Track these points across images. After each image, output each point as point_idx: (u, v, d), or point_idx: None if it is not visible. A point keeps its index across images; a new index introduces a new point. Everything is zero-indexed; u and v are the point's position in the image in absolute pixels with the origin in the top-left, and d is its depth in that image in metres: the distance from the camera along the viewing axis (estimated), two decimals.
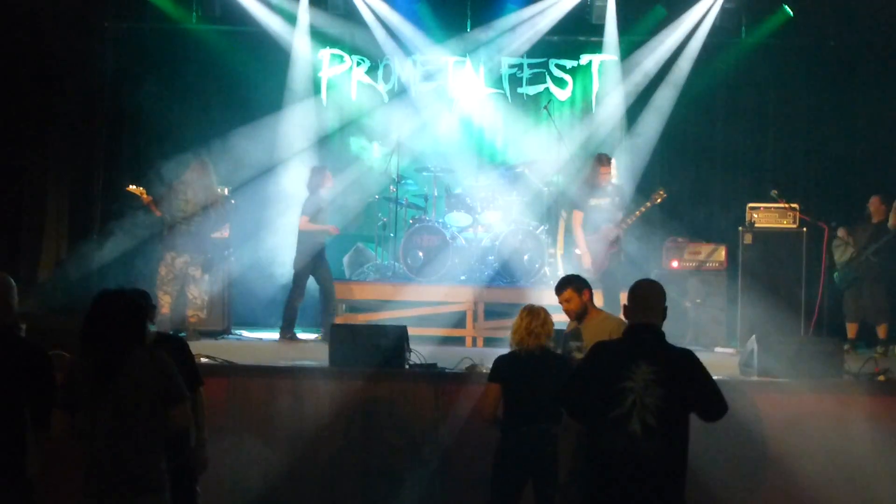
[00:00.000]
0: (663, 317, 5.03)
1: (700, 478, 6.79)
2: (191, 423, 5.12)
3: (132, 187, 10.49)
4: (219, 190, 10.86)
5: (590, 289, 6.97)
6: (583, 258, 9.50)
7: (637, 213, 9.84)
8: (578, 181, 10.02)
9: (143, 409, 4.83)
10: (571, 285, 6.89)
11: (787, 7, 12.73)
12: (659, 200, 9.81)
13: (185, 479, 5.70)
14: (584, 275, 8.11)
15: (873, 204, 11.06)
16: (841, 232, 11.00)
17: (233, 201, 11.70)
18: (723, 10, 12.92)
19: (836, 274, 10.77)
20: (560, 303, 7.01)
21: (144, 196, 10.40)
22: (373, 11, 13.17)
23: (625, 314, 5.21)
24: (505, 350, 6.57)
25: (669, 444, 4.66)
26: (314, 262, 10.72)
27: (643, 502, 4.66)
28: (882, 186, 11.35)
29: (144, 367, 4.86)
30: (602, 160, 9.85)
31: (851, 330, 11.03)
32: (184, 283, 10.36)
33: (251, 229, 12.14)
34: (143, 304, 5.13)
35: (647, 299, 5.01)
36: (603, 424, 4.71)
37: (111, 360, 4.82)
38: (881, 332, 10.86)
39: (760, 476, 7.78)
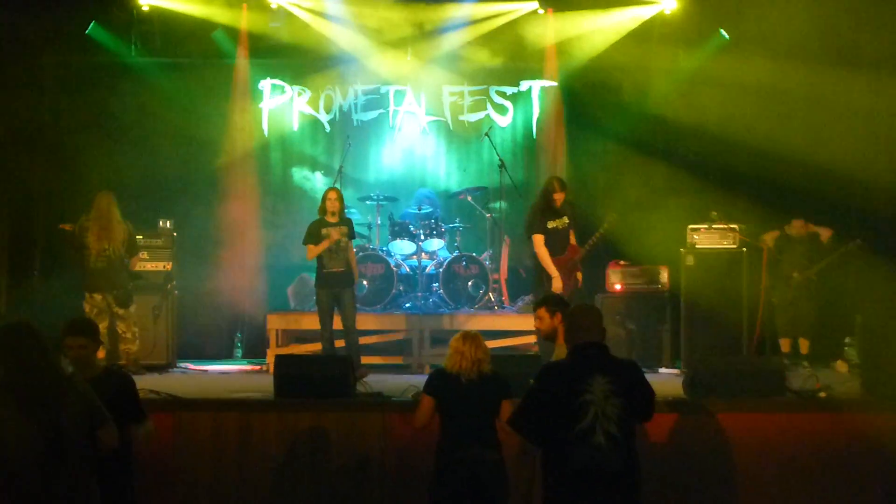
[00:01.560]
0: (603, 335, 5.22)
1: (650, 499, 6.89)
2: (115, 444, 5.03)
3: (65, 225, 10.44)
4: (125, 224, 10.65)
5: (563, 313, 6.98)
6: (553, 282, 9.45)
7: (595, 236, 9.79)
8: (533, 206, 9.97)
9: (64, 449, 4.83)
10: (546, 304, 7.02)
11: (723, 31, 12.90)
12: (611, 225, 9.77)
13: None
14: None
15: (795, 227, 11.21)
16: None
17: (174, 234, 11.67)
18: (658, 34, 13.06)
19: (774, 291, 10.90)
20: (534, 320, 7.16)
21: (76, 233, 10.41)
22: (315, 44, 13.16)
23: (564, 338, 5.32)
24: None
25: (629, 452, 4.85)
26: None
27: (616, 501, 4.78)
28: (806, 207, 11.56)
29: (67, 394, 4.87)
30: (556, 184, 9.76)
31: (785, 345, 11.17)
32: (110, 319, 10.30)
33: (196, 261, 12.06)
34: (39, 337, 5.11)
35: (589, 320, 5.16)
36: (566, 440, 4.81)
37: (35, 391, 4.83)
38: (804, 347, 11.03)
39: (707, 496, 7.84)
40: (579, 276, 9.84)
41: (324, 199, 10.42)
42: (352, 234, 10.45)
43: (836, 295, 10.92)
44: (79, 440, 4.83)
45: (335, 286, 10.19)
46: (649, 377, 5.31)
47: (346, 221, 10.45)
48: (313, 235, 10.26)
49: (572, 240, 9.79)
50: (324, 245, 10.12)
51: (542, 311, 6.90)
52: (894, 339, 8.44)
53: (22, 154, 12.40)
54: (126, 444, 5.44)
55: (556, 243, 9.60)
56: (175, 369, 11.02)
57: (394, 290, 11.86)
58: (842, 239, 11.04)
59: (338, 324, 10.28)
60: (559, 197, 9.66)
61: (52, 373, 4.91)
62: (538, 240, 9.57)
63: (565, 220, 9.70)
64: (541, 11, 13.08)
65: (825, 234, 11.17)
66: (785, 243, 11.22)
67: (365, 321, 10.64)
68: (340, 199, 10.43)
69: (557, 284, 9.38)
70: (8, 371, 4.83)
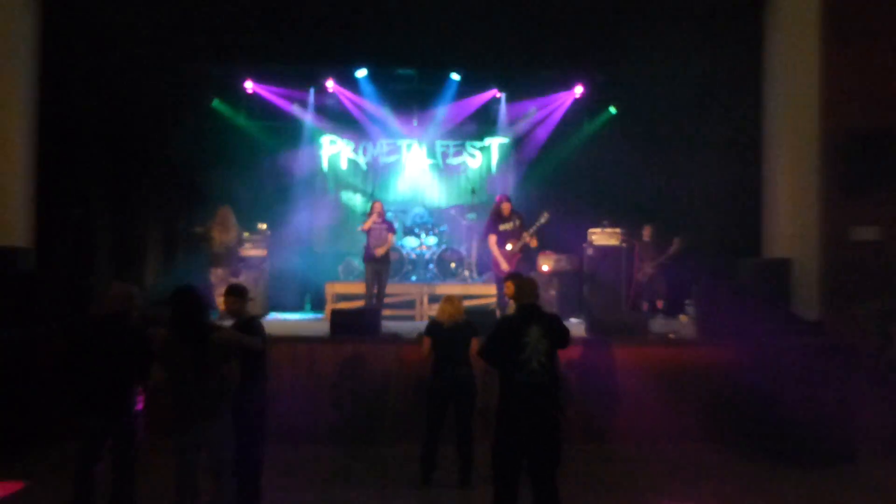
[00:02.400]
0: (538, 297, 5.31)
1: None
2: (237, 377, 5.04)
3: (198, 227, 10.46)
4: (236, 225, 10.64)
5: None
6: (500, 265, 9.41)
7: (532, 230, 9.49)
8: (489, 215, 9.87)
9: (209, 365, 4.85)
10: (510, 279, 6.91)
11: (612, 108, 12.95)
12: (544, 221, 9.48)
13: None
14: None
15: (645, 232, 11.32)
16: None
17: (269, 231, 11.68)
18: (571, 110, 13.07)
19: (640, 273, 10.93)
20: (506, 288, 7.19)
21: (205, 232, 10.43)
22: (354, 114, 13.14)
23: (514, 300, 5.38)
24: None
25: (553, 373, 4.94)
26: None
27: (540, 410, 4.86)
28: (671, 210, 11.65)
29: (208, 338, 4.94)
30: (503, 198, 9.70)
31: (646, 306, 11.15)
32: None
33: (281, 249, 12.08)
34: (205, 296, 5.17)
35: (529, 289, 5.23)
36: (512, 365, 4.90)
37: (189, 333, 4.87)
38: (660, 304, 11.09)
39: (600, 398, 7.90)
40: (522, 259, 9.77)
41: (372, 206, 10.21)
42: (391, 229, 10.16)
43: (679, 274, 10.97)
44: (216, 362, 4.90)
45: (377, 264, 9.99)
46: (566, 324, 5.35)
47: (387, 223, 10.21)
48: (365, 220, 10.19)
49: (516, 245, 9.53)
50: (372, 219, 9.94)
51: (509, 283, 6.83)
52: (716, 302, 8.53)
53: (170, 184, 12.39)
54: (259, 355, 5.55)
55: (506, 240, 9.50)
56: (269, 318, 11.01)
57: (405, 269, 11.90)
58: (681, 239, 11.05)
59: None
60: (506, 207, 9.59)
61: (202, 319, 5.00)
62: (491, 239, 9.54)
63: (512, 223, 9.57)
64: (499, 96, 13.09)
65: (646, 234, 11.33)
66: (644, 243, 11.27)
67: (389, 288, 10.66)
68: (382, 210, 10.16)
69: (503, 267, 9.37)
70: (175, 314, 4.93)
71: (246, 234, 11.26)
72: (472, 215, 12.75)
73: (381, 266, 10.01)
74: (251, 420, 5.42)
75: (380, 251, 9.95)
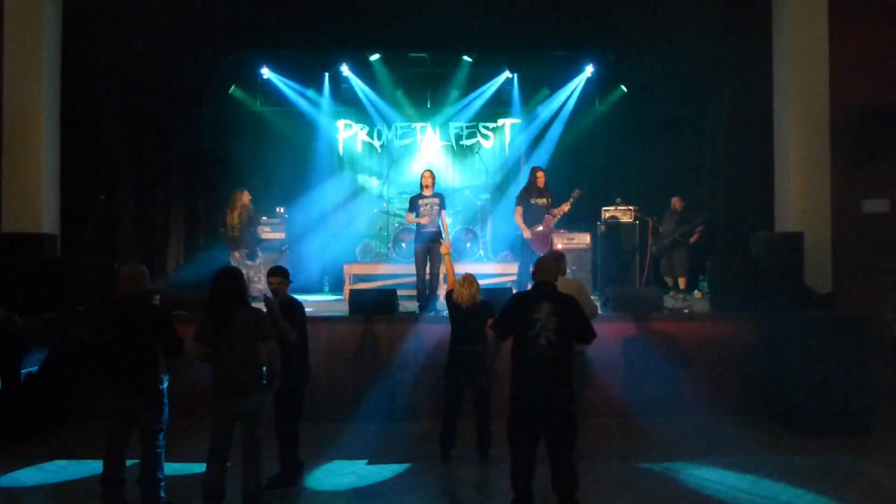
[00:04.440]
0: (556, 278, 5.27)
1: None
2: (275, 356, 5.11)
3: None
4: (249, 208, 10.42)
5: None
6: (525, 233, 9.20)
7: (565, 206, 9.29)
8: (523, 187, 9.56)
9: (246, 343, 4.96)
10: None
11: (623, 87, 12.84)
12: (577, 196, 9.26)
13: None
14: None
15: (675, 202, 11.15)
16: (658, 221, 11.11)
17: (286, 214, 11.70)
18: (583, 90, 12.98)
19: (653, 248, 10.82)
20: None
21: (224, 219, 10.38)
22: (368, 98, 13.11)
23: (532, 276, 5.35)
24: None
25: (562, 351, 4.86)
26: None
27: (548, 384, 4.81)
28: (682, 189, 11.47)
29: (246, 317, 5.02)
30: (538, 170, 9.45)
31: (670, 282, 11.15)
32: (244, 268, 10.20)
33: (299, 231, 12.10)
34: (243, 276, 5.23)
35: (545, 267, 5.20)
36: (523, 340, 4.90)
37: (227, 312, 4.98)
38: (682, 283, 10.98)
39: (618, 369, 7.92)
40: (555, 239, 9.71)
41: (421, 177, 9.14)
42: (443, 205, 8.94)
43: (695, 249, 10.91)
44: (245, 340, 5.00)
45: (428, 241, 8.91)
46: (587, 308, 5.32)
47: (437, 195, 9.01)
48: (411, 204, 9.14)
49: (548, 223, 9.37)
50: (412, 219, 9.01)
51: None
52: (728, 278, 8.50)
53: (190, 170, 12.43)
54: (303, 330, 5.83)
55: (535, 214, 9.29)
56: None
57: None
58: (693, 213, 11.01)
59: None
60: (541, 179, 9.38)
61: (241, 298, 5.11)
62: (518, 210, 9.31)
63: (545, 199, 9.36)
64: (510, 77, 13.01)
65: (677, 203, 11.12)
66: (666, 215, 11.15)
67: (404, 269, 10.63)
68: (432, 176, 9.10)
69: (526, 234, 9.23)
70: (213, 293, 5.06)
71: (263, 218, 11.26)
72: (485, 196, 12.70)
73: (431, 243, 8.88)
74: (288, 395, 5.69)
75: (431, 227, 8.85)
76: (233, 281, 5.11)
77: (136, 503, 5.07)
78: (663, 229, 11.04)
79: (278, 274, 5.81)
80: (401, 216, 12.05)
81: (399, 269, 11.02)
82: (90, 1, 9.63)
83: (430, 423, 7.26)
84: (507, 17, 10.81)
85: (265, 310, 5.34)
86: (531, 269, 7.00)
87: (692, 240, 10.83)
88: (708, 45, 10.39)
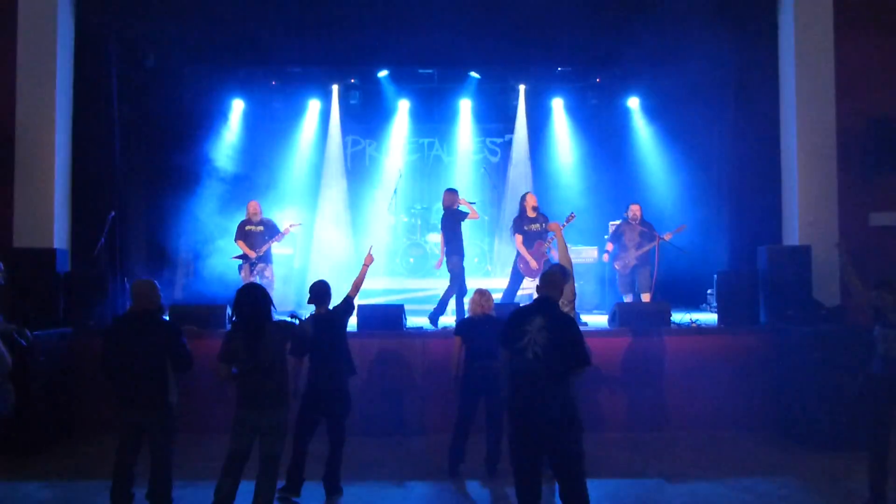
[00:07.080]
0: (560, 292, 5.18)
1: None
2: (297, 371, 5.32)
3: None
4: (263, 218, 10.40)
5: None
6: (529, 264, 9.28)
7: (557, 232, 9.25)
8: (516, 215, 9.67)
9: (274, 358, 5.01)
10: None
11: (629, 102, 12.78)
12: (571, 220, 9.04)
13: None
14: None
15: (635, 210, 10.20)
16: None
17: (295, 230, 11.67)
18: (590, 104, 12.90)
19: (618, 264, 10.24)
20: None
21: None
22: (376, 114, 13.12)
23: (536, 290, 5.31)
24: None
25: (550, 365, 4.71)
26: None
27: (535, 396, 4.73)
28: (688, 202, 11.31)
29: (274, 333, 5.05)
30: (528, 197, 9.60)
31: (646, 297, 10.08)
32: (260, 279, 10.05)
33: (307, 246, 12.09)
34: (268, 292, 5.22)
35: (545, 283, 5.15)
36: (513, 353, 4.86)
37: (255, 330, 4.98)
38: (646, 298, 9.85)
39: (624, 385, 7.86)
40: (553, 253, 9.68)
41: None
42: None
43: (699, 262, 10.79)
44: (275, 355, 5.03)
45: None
46: (584, 316, 5.27)
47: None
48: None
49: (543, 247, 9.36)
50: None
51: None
52: (736, 292, 8.45)
53: (200, 185, 12.41)
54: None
55: (532, 240, 9.41)
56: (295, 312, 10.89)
57: (428, 264, 11.78)
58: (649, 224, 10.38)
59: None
60: (531, 204, 9.47)
61: (265, 314, 5.09)
62: (518, 239, 9.44)
63: (538, 225, 9.44)
64: (518, 91, 13.01)
65: (637, 211, 10.15)
66: (629, 225, 10.29)
67: (412, 284, 10.61)
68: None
69: (532, 265, 9.28)
70: (238, 310, 5.06)
71: (281, 232, 11.18)
72: (491, 211, 12.66)
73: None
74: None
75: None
76: (259, 297, 5.08)
77: None
78: (627, 240, 10.27)
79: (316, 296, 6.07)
80: (409, 231, 12.01)
81: (408, 284, 11.00)
82: (102, 17, 9.68)
83: (437, 439, 7.21)
84: (514, 32, 10.81)
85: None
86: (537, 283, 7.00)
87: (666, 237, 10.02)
88: (714, 59, 10.37)
